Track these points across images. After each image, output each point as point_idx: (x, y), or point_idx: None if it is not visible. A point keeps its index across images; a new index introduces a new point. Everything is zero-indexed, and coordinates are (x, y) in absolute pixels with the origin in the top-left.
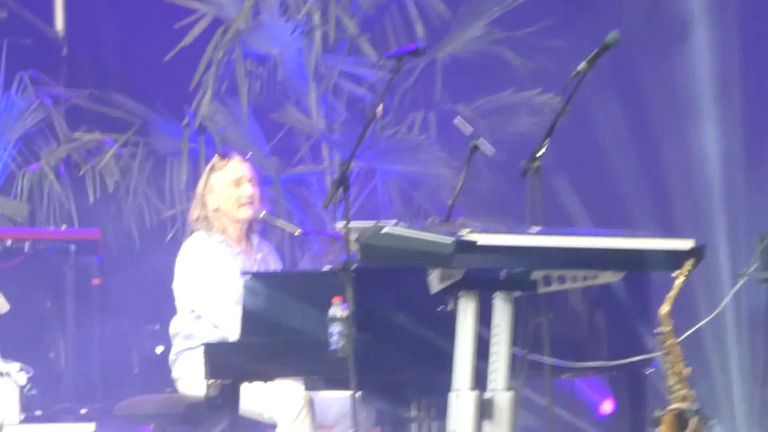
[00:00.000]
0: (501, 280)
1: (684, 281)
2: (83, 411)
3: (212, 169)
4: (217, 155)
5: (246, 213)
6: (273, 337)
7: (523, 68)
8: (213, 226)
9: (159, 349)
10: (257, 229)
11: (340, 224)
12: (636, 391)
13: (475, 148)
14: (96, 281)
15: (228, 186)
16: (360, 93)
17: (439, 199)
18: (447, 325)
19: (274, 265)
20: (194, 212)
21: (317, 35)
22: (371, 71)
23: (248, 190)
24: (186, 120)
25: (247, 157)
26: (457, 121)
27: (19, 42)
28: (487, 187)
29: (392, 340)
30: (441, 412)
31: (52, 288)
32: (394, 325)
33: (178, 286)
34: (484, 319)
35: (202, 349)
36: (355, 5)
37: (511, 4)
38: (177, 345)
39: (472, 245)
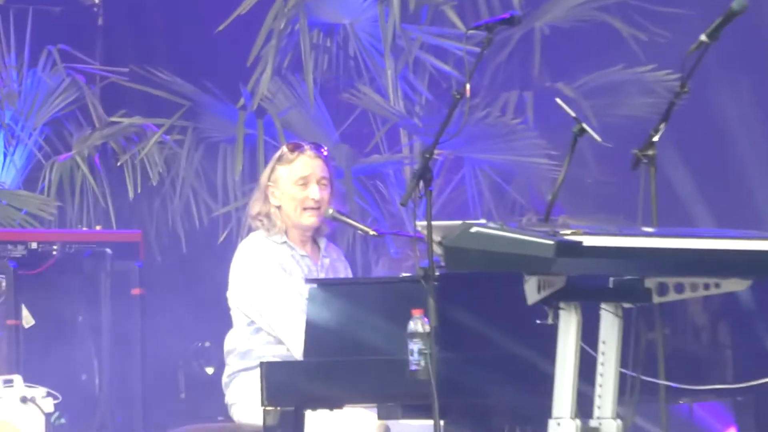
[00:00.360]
0: (609, 289)
1: None
2: None
3: (279, 159)
4: (286, 144)
5: (309, 220)
6: (342, 357)
7: (635, 40)
8: (275, 224)
9: (210, 370)
10: (326, 230)
11: (420, 223)
12: (764, 418)
13: (580, 133)
14: (136, 291)
15: (293, 184)
16: (445, 69)
17: (537, 194)
18: (545, 342)
19: (344, 271)
20: (255, 206)
21: (395, 1)
22: (458, 44)
23: (316, 193)
24: (242, 101)
25: (323, 152)
26: (559, 101)
27: (47, 10)
28: (594, 180)
29: (481, 359)
30: None
31: (85, 299)
32: (483, 342)
33: (233, 295)
34: (589, 334)
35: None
36: None
37: None
38: (231, 365)
39: (576, 248)
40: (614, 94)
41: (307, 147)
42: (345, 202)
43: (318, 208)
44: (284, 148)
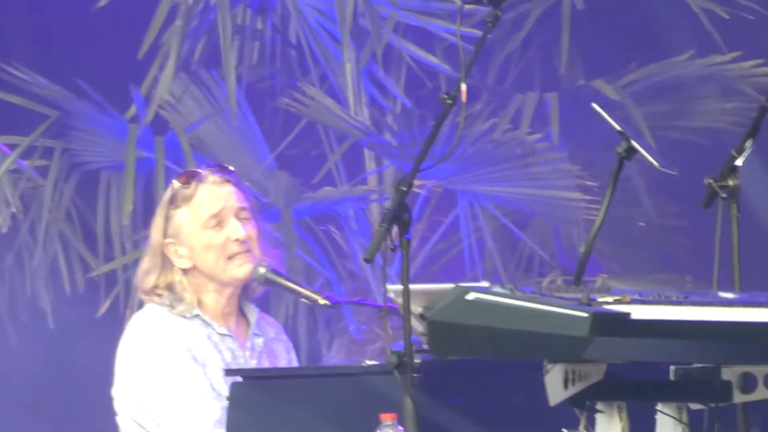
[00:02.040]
0: (669, 384)
1: None
2: None
3: (173, 201)
4: (176, 178)
5: (240, 271)
6: None
7: (711, 17)
8: (182, 298)
9: None
10: (257, 292)
11: (393, 288)
12: None
13: (627, 154)
14: None
15: (203, 227)
16: (429, 62)
17: (564, 244)
18: None
19: (285, 356)
20: (148, 278)
21: None
22: (449, 25)
23: (238, 230)
24: (133, 110)
25: (228, 171)
26: (598, 109)
27: None
28: (648, 223)
29: None
30: None
31: None
32: None
33: (120, 395)
34: None
35: None
36: None
37: None
38: None
39: (620, 322)
40: (679, 96)
41: (206, 172)
42: (282, 256)
43: (247, 251)
44: (174, 183)
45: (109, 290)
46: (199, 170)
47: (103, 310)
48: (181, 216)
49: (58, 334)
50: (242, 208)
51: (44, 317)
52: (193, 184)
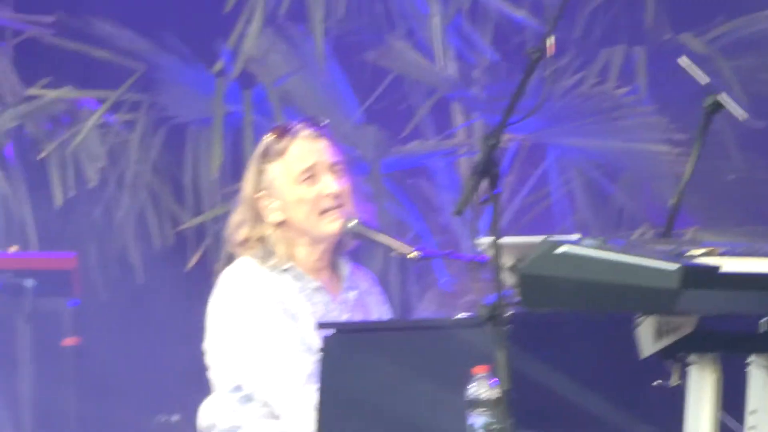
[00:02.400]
0: (763, 336)
1: None
2: None
3: (265, 155)
4: (269, 132)
5: (332, 226)
6: None
7: None
8: (274, 250)
9: None
10: (349, 246)
11: (483, 241)
12: None
13: (715, 108)
14: (70, 341)
15: (296, 182)
16: (517, 16)
17: (653, 196)
18: (667, 413)
19: (377, 309)
20: (240, 231)
21: None
22: None
23: (331, 184)
24: (220, 64)
25: (322, 126)
26: (685, 62)
27: None
28: (738, 176)
29: None
30: None
31: None
32: (578, 413)
33: (212, 349)
34: (731, 400)
35: None
36: None
37: None
38: None
39: (711, 275)
40: (766, 50)
41: (299, 126)
42: (373, 210)
43: (341, 206)
44: (267, 137)
45: (197, 244)
46: (292, 124)
47: (191, 264)
48: (274, 170)
49: (147, 288)
50: (335, 163)
51: (133, 272)
52: (286, 138)
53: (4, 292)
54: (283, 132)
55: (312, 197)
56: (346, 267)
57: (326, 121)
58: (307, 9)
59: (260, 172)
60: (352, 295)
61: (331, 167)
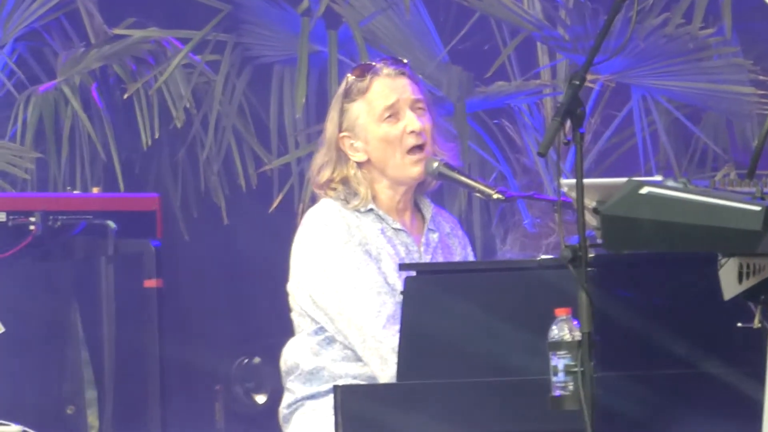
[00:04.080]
0: None
1: None
2: None
3: (347, 94)
4: (351, 71)
5: (415, 170)
6: (453, 378)
7: None
8: (356, 191)
9: (261, 398)
10: (432, 186)
11: (567, 182)
12: None
13: None
14: (152, 283)
15: (378, 120)
16: None
17: (738, 138)
18: (749, 354)
19: (460, 251)
20: (323, 170)
21: None
22: None
23: (414, 121)
24: (306, 3)
25: (403, 63)
26: None
27: None
28: None
29: (656, 380)
30: None
31: (77, 295)
32: (658, 356)
33: (295, 290)
34: None
35: (332, 397)
36: None
37: None
38: (293, 390)
39: None
40: None
41: (380, 65)
42: (456, 150)
43: (424, 144)
44: (349, 77)
45: (282, 185)
46: (373, 63)
47: (275, 204)
48: (357, 109)
49: (229, 229)
50: (417, 100)
51: (218, 212)
52: (368, 76)
53: (86, 233)
54: (365, 71)
55: (396, 134)
56: (429, 209)
57: (407, 60)
58: None
59: (343, 112)
60: (434, 237)
61: (413, 104)
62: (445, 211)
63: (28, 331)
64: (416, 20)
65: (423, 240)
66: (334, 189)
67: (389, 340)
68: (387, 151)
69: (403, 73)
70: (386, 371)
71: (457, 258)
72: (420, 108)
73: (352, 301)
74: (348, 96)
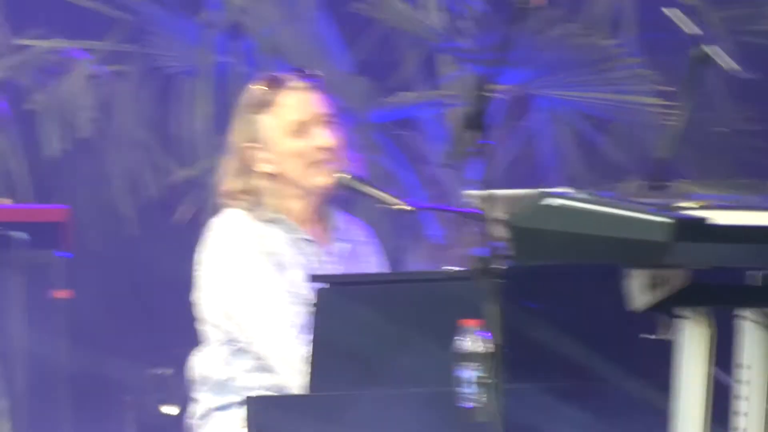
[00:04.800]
0: (752, 289)
1: None
2: None
3: (254, 105)
4: (258, 82)
5: (324, 179)
6: (363, 389)
7: None
8: (263, 201)
9: (173, 410)
10: (338, 196)
11: (474, 193)
12: None
13: (702, 60)
14: (61, 294)
15: (288, 134)
16: None
17: (642, 148)
18: (655, 366)
19: (375, 261)
20: (228, 181)
21: None
22: None
23: (325, 137)
24: (208, 14)
25: (314, 77)
26: (673, 12)
27: None
28: (727, 128)
29: (567, 391)
30: None
31: None
32: (568, 367)
33: (202, 300)
34: (721, 355)
35: (244, 408)
36: None
37: None
38: (203, 401)
39: (702, 227)
40: (755, 0)
41: (289, 76)
42: (362, 160)
43: (332, 159)
44: (255, 87)
45: (188, 196)
46: (281, 74)
47: (181, 215)
48: (265, 121)
49: (136, 239)
50: (327, 114)
51: (127, 224)
52: (277, 88)
53: None
54: (273, 82)
55: (304, 150)
56: (337, 219)
57: (319, 73)
58: None
59: (249, 123)
60: (344, 246)
61: (324, 119)
62: (357, 221)
63: None
64: (321, 31)
65: (332, 250)
66: (240, 199)
67: (301, 349)
68: (295, 164)
69: (314, 86)
70: (298, 380)
71: (372, 266)
72: (330, 123)
73: (263, 311)
74: (255, 107)
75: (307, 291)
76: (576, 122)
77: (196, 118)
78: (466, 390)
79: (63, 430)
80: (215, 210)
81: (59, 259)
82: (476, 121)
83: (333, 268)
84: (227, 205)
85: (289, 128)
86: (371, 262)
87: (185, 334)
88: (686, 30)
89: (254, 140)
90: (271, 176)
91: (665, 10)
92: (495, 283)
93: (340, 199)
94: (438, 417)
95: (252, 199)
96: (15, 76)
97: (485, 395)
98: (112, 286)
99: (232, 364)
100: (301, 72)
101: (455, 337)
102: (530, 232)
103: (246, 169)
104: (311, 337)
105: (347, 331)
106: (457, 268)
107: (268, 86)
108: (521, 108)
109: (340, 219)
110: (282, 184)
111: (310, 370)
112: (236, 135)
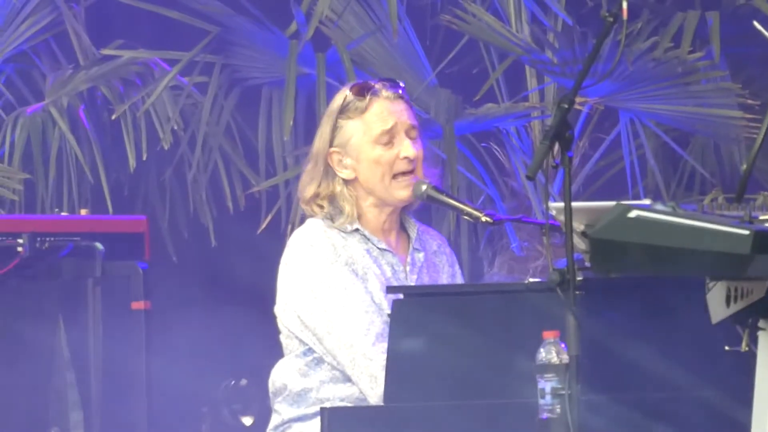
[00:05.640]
0: None
1: None
2: None
3: (344, 111)
4: (350, 87)
5: (403, 192)
6: (440, 401)
7: None
8: (342, 210)
9: (248, 421)
10: (415, 206)
11: (555, 206)
12: None
13: None
14: (140, 305)
15: (373, 143)
16: None
17: (726, 162)
18: (737, 378)
19: (448, 271)
20: (310, 185)
21: None
22: None
23: (409, 149)
24: (294, 26)
25: (400, 87)
26: (759, 26)
27: None
28: None
29: (645, 402)
30: None
31: (64, 316)
32: (647, 379)
33: (283, 312)
34: None
35: (320, 418)
36: None
37: None
38: (280, 412)
39: None
40: None
41: (380, 86)
42: (444, 173)
43: (413, 170)
44: (347, 93)
45: (270, 206)
46: (372, 82)
47: (263, 226)
48: (352, 127)
49: (216, 251)
50: (413, 126)
51: (206, 234)
52: (367, 96)
53: (74, 254)
54: (364, 90)
55: (389, 159)
56: (413, 228)
57: (402, 84)
58: None
59: (336, 128)
60: (420, 256)
61: (409, 130)
62: (432, 230)
63: (14, 353)
64: (404, 43)
65: (408, 260)
66: (320, 206)
67: (379, 358)
68: (376, 172)
69: (401, 97)
70: (376, 390)
71: (444, 276)
72: (414, 135)
73: (341, 320)
74: (344, 113)
75: (385, 301)
76: (660, 135)
77: (278, 130)
78: (543, 401)
79: (137, 430)
80: (300, 221)
81: (137, 270)
82: (560, 134)
83: (408, 277)
84: (308, 212)
85: (376, 137)
86: (446, 270)
87: (264, 346)
88: None
89: (338, 145)
90: (350, 182)
91: (756, 24)
92: (574, 295)
93: (418, 209)
94: (514, 428)
95: (331, 206)
96: (98, 86)
97: (561, 406)
98: (190, 296)
99: (310, 375)
100: (391, 81)
101: (534, 348)
102: (610, 244)
103: (327, 174)
104: (388, 346)
105: (423, 343)
106: (536, 280)
107: (359, 93)
108: (605, 120)
109: (416, 229)
110: (360, 191)
111: (385, 382)
112: (320, 139)
